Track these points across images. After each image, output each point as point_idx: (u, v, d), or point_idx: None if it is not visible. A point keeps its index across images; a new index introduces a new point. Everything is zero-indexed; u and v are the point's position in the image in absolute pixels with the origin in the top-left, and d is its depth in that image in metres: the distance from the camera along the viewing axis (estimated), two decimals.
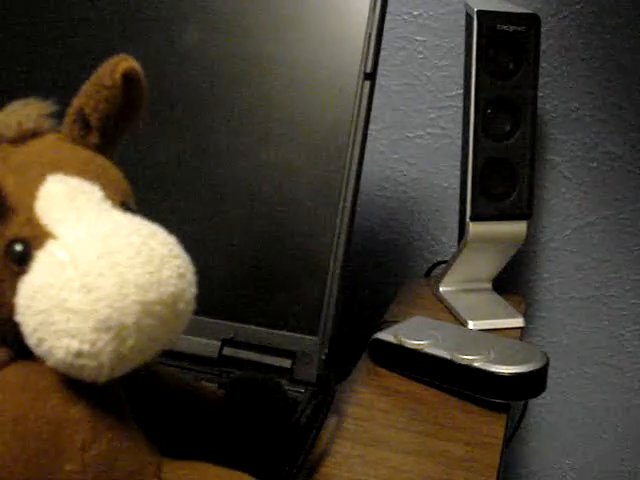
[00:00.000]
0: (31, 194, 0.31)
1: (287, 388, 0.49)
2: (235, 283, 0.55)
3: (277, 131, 0.55)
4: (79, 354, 0.28)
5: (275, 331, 0.53)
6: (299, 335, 0.53)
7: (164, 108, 0.57)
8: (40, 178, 0.31)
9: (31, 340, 0.29)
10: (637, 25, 0.81)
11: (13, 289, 0.30)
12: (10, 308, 0.30)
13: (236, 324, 0.54)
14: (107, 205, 0.32)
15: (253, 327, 0.54)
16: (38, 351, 0.29)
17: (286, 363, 0.52)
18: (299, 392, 0.51)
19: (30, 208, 0.31)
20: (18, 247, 0.30)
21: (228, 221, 0.56)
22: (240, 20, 0.57)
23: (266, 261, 0.55)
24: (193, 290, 0.31)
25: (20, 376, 0.31)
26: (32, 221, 0.30)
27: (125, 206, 0.33)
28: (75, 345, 0.28)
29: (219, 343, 0.53)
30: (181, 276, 0.30)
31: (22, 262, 0.30)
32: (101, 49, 0.58)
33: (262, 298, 0.54)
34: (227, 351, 0.53)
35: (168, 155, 0.57)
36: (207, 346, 0.53)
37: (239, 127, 0.56)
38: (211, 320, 0.54)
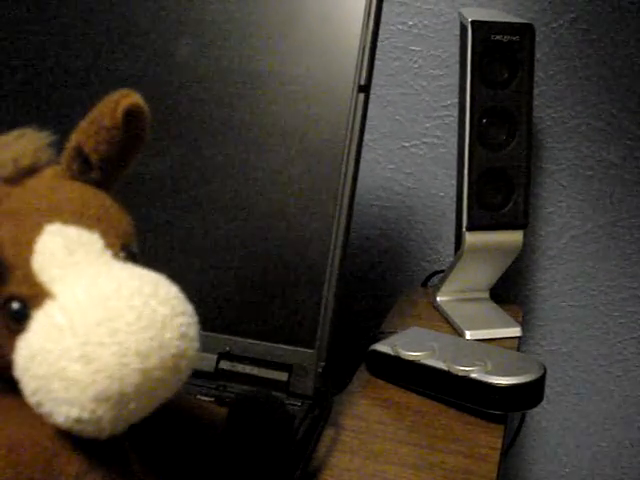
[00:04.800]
0: (28, 247, 0.30)
1: (284, 401, 0.48)
2: (231, 296, 0.55)
3: (272, 144, 0.55)
4: (79, 421, 0.28)
5: (271, 344, 0.53)
6: (295, 348, 0.52)
7: (157, 121, 0.57)
8: (37, 229, 0.30)
9: (30, 400, 0.29)
10: (631, 33, 0.81)
11: (11, 345, 0.29)
12: (8, 363, 0.30)
13: (232, 337, 0.54)
14: (107, 256, 0.31)
15: (249, 340, 0.53)
16: (37, 410, 0.29)
17: (283, 376, 0.52)
18: (296, 405, 0.51)
19: (27, 264, 0.30)
20: (15, 305, 0.29)
21: (223, 234, 0.56)
22: (234, 33, 0.57)
23: (262, 274, 0.55)
24: (196, 345, 0.31)
25: (15, 404, 0.31)
26: (29, 279, 0.29)
27: (127, 250, 0.32)
28: (75, 413, 0.28)
29: (215, 357, 0.53)
30: (183, 335, 0.30)
31: (20, 320, 0.29)
32: (95, 63, 0.58)
33: (258, 311, 0.54)
34: (224, 365, 0.53)
35: (162, 168, 0.57)
36: (203, 360, 0.53)
37: (233, 140, 0.56)
38: (207, 334, 0.53)
